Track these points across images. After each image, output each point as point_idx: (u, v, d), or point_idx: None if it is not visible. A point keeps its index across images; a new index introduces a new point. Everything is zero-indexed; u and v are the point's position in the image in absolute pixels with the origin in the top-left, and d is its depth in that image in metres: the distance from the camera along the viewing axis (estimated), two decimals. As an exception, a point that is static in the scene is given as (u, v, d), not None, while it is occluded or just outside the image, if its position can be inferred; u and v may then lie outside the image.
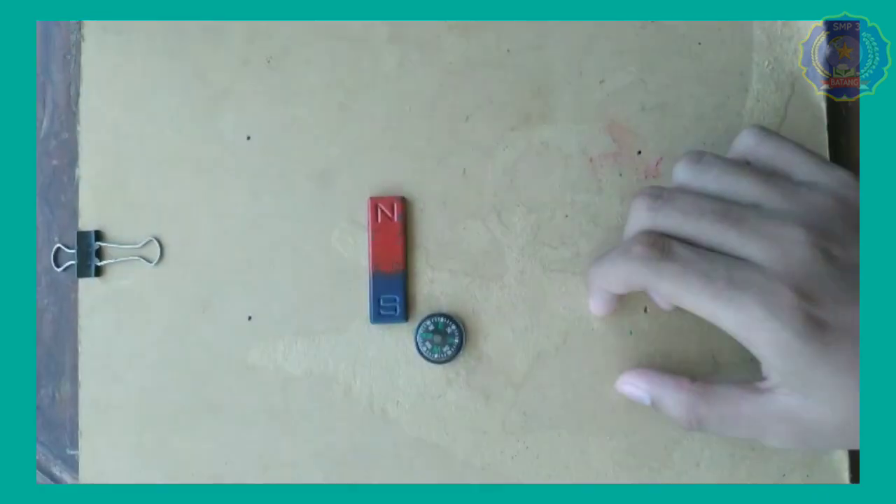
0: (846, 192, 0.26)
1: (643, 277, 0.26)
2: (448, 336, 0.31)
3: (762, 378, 0.27)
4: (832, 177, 0.27)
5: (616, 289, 0.28)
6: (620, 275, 0.27)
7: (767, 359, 0.25)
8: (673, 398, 0.28)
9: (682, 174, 0.28)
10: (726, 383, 0.27)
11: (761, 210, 0.26)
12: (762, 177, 0.27)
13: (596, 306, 0.31)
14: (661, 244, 0.26)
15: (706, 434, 0.31)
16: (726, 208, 0.26)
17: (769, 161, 0.28)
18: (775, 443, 0.27)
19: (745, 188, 0.27)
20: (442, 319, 0.32)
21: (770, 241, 0.25)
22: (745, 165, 0.28)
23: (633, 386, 0.30)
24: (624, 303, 0.32)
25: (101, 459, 0.32)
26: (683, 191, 0.27)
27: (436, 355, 0.31)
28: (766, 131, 0.28)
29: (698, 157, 0.28)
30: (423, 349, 0.32)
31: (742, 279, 0.25)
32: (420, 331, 0.32)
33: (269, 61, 0.33)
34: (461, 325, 0.32)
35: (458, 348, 0.31)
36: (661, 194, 0.27)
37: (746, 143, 0.28)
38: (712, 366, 0.32)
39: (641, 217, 0.27)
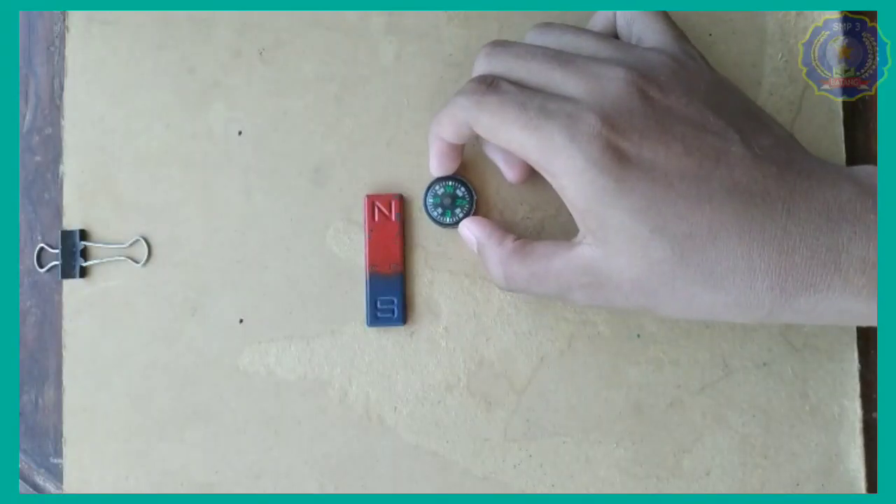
0: (687, 59, 0.27)
1: (466, 111, 0.27)
2: (458, 198, 0.31)
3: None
4: (678, 46, 0.27)
5: (447, 133, 0.28)
6: (449, 112, 0.27)
7: (565, 191, 0.25)
8: (491, 251, 0.29)
9: (529, 37, 0.29)
10: (547, 241, 0.28)
11: (593, 57, 0.27)
12: (602, 36, 0.28)
13: (433, 162, 0.31)
14: (489, 80, 0.27)
15: (516, 295, 0.31)
16: (557, 53, 0.27)
17: (630, 20, 0.29)
18: (580, 299, 0.27)
19: (583, 43, 0.28)
20: (449, 182, 0.31)
21: (589, 78, 0.26)
22: (589, 30, 0.29)
23: (468, 230, 0.30)
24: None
25: (86, 468, 0.31)
26: (523, 43, 0.28)
27: (448, 219, 0.31)
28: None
29: (545, 23, 0.29)
30: (435, 214, 0.31)
31: (553, 109, 0.25)
32: (429, 196, 0.31)
33: (261, 53, 0.32)
34: (470, 186, 0.31)
35: (469, 211, 0.31)
36: (501, 43, 0.28)
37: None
38: (723, 369, 0.31)
39: (480, 63, 0.28)
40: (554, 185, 0.26)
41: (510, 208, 0.32)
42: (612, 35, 0.30)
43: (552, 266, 0.26)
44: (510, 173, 0.30)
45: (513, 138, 0.26)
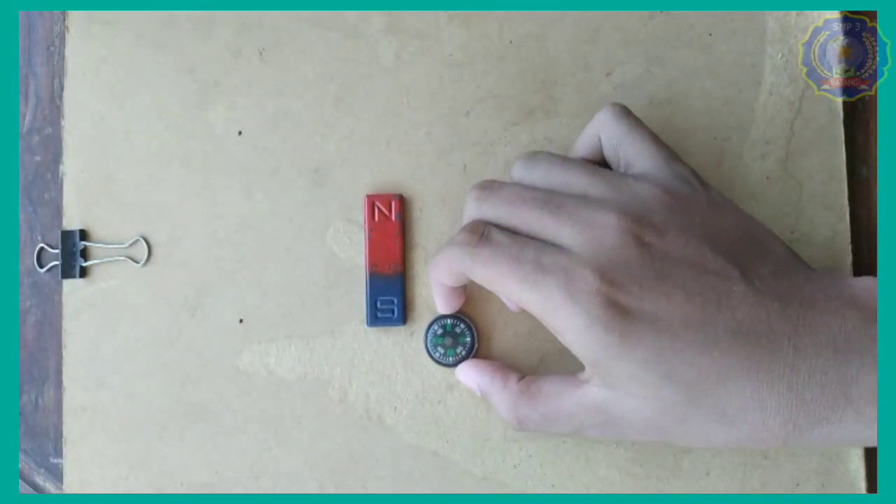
0: (679, 185, 0.26)
1: (461, 263, 0.26)
2: (459, 336, 0.31)
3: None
4: (668, 170, 0.27)
5: (445, 279, 0.28)
6: (445, 262, 0.27)
7: (571, 346, 0.25)
8: (498, 396, 0.28)
9: (516, 172, 0.29)
10: (552, 378, 0.27)
11: (584, 198, 0.26)
12: (590, 169, 0.27)
13: (438, 302, 0.30)
14: (481, 230, 0.26)
15: (529, 434, 0.31)
16: (547, 196, 0.26)
17: (616, 144, 0.28)
18: (594, 435, 0.27)
19: (572, 180, 0.27)
20: (449, 321, 0.31)
21: (582, 226, 0.25)
22: (576, 160, 0.28)
23: (467, 377, 0.30)
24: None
25: (86, 468, 0.31)
26: (513, 183, 0.28)
27: (450, 359, 0.31)
28: (623, 113, 0.28)
29: (532, 155, 0.29)
30: (436, 355, 0.31)
31: (548, 263, 0.25)
32: (429, 336, 0.31)
33: (261, 53, 0.32)
34: (470, 323, 0.31)
35: (472, 347, 0.31)
36: (489, 186, 0.28)
37: (602, 119, 0.28)
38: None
39: (471, 208, 0.28)
40: (557, 337, 0.25)
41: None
42: (599, 158, 0.29)
43: (563, 406, 0.26)
44: (512, 305, 0.30)
45: (510, 291, 0.25)
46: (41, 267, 0.32)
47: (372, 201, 0.31)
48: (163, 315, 0.31)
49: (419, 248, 0.32)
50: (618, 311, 0.24)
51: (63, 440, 0.31)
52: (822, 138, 0.32)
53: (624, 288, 0.24)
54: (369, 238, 0.31)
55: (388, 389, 0.31)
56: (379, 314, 0.31)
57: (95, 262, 0.32)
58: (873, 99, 0.32)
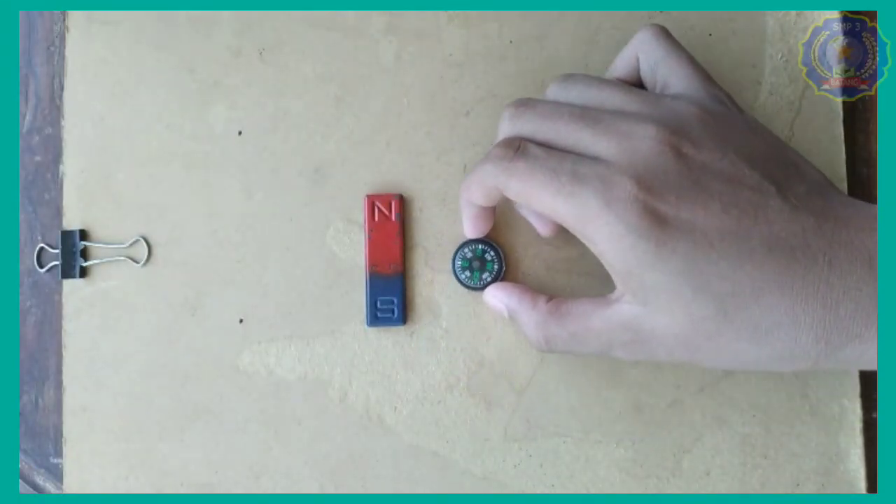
0: (714, 105, 0.26)
1: (495, 178, 0.26)
2: (487, 261, 0.31)
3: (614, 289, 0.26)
4: (704, 91, 0.27)
5: (477, 198, 0.28)
6: (478, 179, 0.27)
7: (604, 256, 0.25)
8: (526, 316, 0.28)
9: (551, 92, 0.28)
10: (581, 299, 0.27)
11: (621, 112, 0.26)
12: (627, 88, 0.27)
13: (466, 225, 0.30)
14: (517, 145, 0.26)
15: (558, 355, 0.31)
16: (584, 111, 0.26)
17: (654, 65, 0.28)
18: (622, 355, 0.26)
19: (608, 98, 0.27)
20: (479, 246, 0.31)
21: (620, 137, 0.25)
22: (613, 80, 0.28)
23: (495, 298, 0.30)
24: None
25: (86, 468, 0.31)
26: (548, 100, 0.27)
27: (477, 282, 0.31)
28: (662, 34, 0.28)
29: (567, 75, 0.28)
30: (463, 278, 0.31)
31: (585, 173, 0.25)
32: (457, 260, 0.31)
33: (261, 53, 0.32)
34: (499, 249, 0.31)
35: (499, 273, 0.31)
36: (525, 102, 0.27)
37: (641, 39, 0.28)
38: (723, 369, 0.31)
39: (505, 126, 0.27)
40: (591, 249, 0.25)
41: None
42: (635, 80, 0.29)
43: (592, 325, 0.26)
44: (543, 229, 0.30)
45: (545, 204, 0.25)
46: (41, 267, 0.32)
47: (372, 201, 0.31)
48: (163, 315, 0.31)
49: (419, 248, 0.32)
50: (654, 219, 0.24)
51: (63, 440, 0.31)
52: (822, 138, 0.32)
53: (661, 196, 0.24)
54: (369, 238, 0.31)
55: (388, 389, 0.31)
56: (379, 314, 0.31)
57: (95, 262, 0.32)
58: (873, 99, 0.32)
